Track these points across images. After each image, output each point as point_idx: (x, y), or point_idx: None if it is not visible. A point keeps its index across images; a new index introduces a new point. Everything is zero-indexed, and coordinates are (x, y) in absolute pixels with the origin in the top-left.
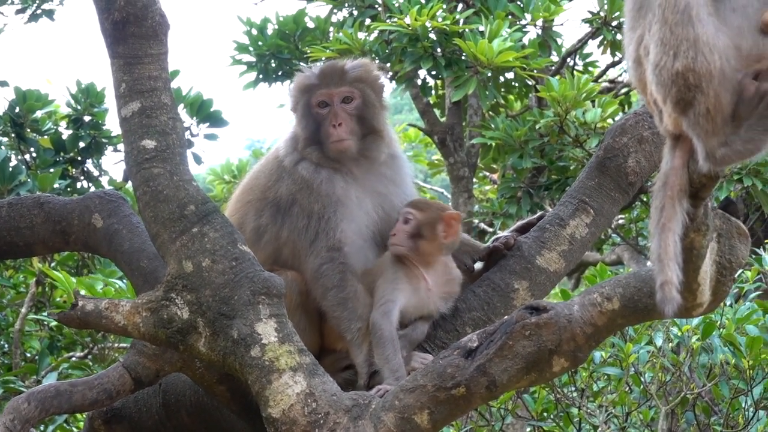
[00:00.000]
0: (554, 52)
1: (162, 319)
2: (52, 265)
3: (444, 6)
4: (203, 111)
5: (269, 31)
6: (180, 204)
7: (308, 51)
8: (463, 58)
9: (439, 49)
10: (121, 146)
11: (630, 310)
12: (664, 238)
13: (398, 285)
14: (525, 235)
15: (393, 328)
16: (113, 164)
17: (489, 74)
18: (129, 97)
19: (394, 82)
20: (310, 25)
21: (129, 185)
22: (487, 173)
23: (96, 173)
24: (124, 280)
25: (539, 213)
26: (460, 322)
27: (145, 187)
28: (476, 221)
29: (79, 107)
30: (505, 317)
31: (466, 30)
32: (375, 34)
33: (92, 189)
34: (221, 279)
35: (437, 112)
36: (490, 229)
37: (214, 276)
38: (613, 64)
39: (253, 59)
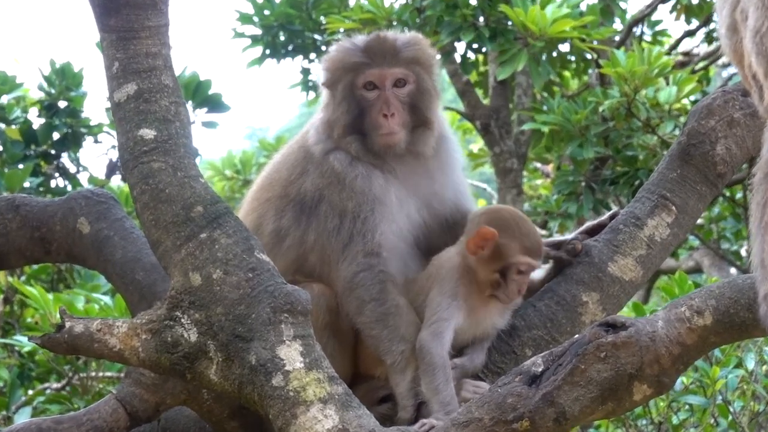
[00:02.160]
0: (618, 20)
1: (165, 342)
2: (22, 279)
3: None
4: (200, 94)
5: None
6: (185, 204)
7: (324, 21)
8: (510, 27)
9: (481, 18)
10: (102, 137)
11: (725, 326)
12: None
13: (456, 301)
14: (594, 238)
15: (445, 352)
16: (94, 158)
17: (541, 47)
18: (123, 78)
19: None
20: None
21: (115, 183)
22: (539, 165)
23: (73, 169)
24: (113, 296)
25: (612, 211)
26: (518, 343)
27: (144, 185)
28: None
29: (53, 91)
30: (575, 336)
31: None
32: (404, 0)
33: (69, 188)
34: (235, 294)
35: (479, 92)
36: (543, 232)
37: (227, 290)
38: (689, 33)
39: (258, 31)
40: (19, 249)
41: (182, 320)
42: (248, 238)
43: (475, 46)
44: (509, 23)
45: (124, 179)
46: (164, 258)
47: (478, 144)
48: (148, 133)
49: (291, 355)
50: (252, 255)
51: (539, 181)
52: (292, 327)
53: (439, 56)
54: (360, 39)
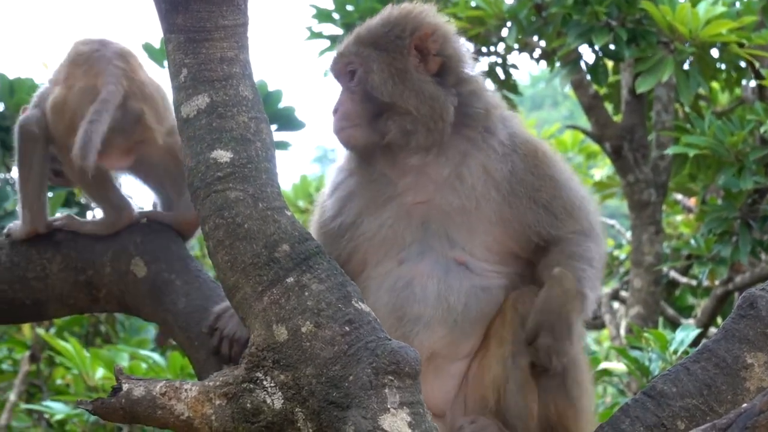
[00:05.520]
0: None
1: (244, 409)
2: (52, 331)
3: None
4: (269, 108)
5: None
6: (268, 243)
7: None
8: (651, 29)
9: (615, 19)
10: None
11: None
12: None
13: None
14: (761, 287)
15: None
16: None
17: (691, 53)
18: (193, 88)
19: (545, 63)
20: None
21: None
22: (679, 197)
23: None
24: (163, 353)
25: None
26: (668, 414)
27: (218, 218)
28: (665, 268)
29: None
30: (743, 406)
31: None
32: None
33: None
34: (329, 351)
35: (608, 107)
36: (683, 279)
37: (319, 347)
38: None
39: (339, 31)
40: (59, 296)
41: (264, 383)
42: (344, 283)
43: (607, 50)
44: (648, 24)
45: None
46: (242, 307)
47: (603, 170)
48: (222, 155)
49: (397, 426)
50: (349, 304)
51: (679, 217)
52: (398, 392)
53: (539, 57)
54: None
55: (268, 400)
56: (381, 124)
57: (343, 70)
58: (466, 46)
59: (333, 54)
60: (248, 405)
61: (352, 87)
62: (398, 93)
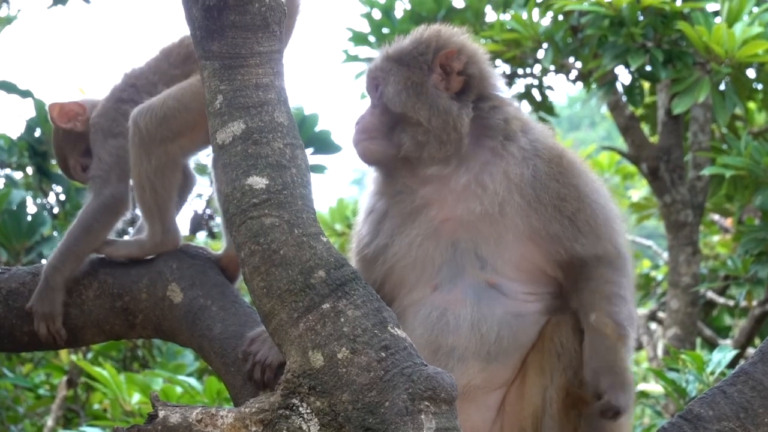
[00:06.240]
0: None
1: None
2: (89, 356)
3: None
4: (306, 131)
5: (398, 14)
6: (304, 269)
7: None
8: (687, 50)
9: (651, 40)
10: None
11: None
12: None
13: None
14: None
15: None
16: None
17: (727, 73)
18: (228, 114)
19: (582, 84)
20: (459, 3)
21: (200, 239)
22: (716, 217)
23: None
24: (200, 378)
25: None
26: None
27: (254, 244)
28: (703, 289)
29: None
30: None
31: (691, 11)
32: (557, 16)
33: None
34: (365, 377)
35: (644, 128)
36: (721, 300)
37: (355, 373)
38: None
39: (374, 54)
40: (96, 322)
41: (300, 409)
42: (380, 309)
43: (644, 71)
44: (685, 44)
45: (211, 235)
46: (278, 333)
47: (640, 191)
48: (258, 181)
49: None
50: (385, 330)
51: (716, 238)
52: (435, 418)
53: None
54: None
55: (304, 427)
56: (396, 136)
57: (371, 84)
58: (493, 68)
59: None
60: (284, 431)
61: (375, 101)
62: (410, 104)
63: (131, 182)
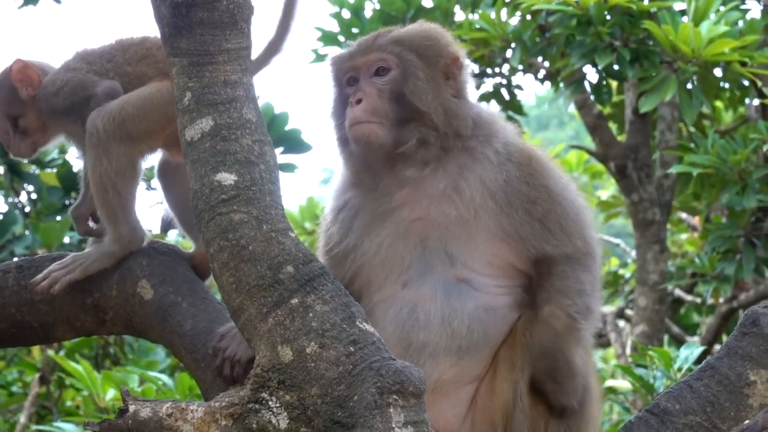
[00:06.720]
0: None
1: (250, 429)
2: (61, 353)
3: None
4: (276, 130)
5: (368, 13)
6: (273, 264)
7: None
8: (654, 49)
9: (618, 39)
10: (155, 182)
11: None
12: None
13: None
14: (765, 304)
15: None
16: (147, 208)
17: (694, 72)
18: (197, 111)
19: (549, 83)
20: (427, 3)
21: (171, 238)
22: (684, 215)
23: None
24: (172, 375)
25: None
26: (671, 431)
27: (222, 240)
28: (670, 287)
29: None
30: (744, 423)
31: (658, 10)
32: (524, 16)
33: None
34: (334, 371)
35: (612, 127)
36: (688, 297)
37: (324, 367)
38: None
39: None
40: (67, 318)
41: (270, 403)
42: (348, 304)
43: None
44: (651, 43)
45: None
46: (247, 328)
47: (608, 190)
48: (227, 177)
49: None
50: (353, 325)
51: (683, 236)
52: (403, 411)
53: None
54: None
55: (274, 421)
56: (404, 131)
57: (370, 63)
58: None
59: (350, 47)
60: (254, 425)
61: (379, 84)
62: (434, 106)
63: (91, 188)
